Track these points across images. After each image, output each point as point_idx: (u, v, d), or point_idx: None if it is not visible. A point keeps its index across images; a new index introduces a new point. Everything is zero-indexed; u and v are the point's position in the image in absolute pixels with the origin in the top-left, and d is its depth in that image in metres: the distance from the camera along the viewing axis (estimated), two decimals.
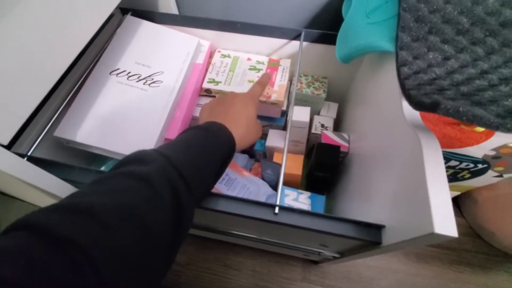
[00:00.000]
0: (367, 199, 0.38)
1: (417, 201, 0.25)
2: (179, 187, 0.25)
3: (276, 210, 0.31)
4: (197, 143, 0.31)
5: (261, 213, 0.31)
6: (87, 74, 0.45)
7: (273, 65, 0.54)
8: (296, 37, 0.51)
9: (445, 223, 0.22)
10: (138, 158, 0.26)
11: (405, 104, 0.31)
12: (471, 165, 0.46)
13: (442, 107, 0.25)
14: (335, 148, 0.48)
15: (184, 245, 0.62)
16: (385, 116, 0.37)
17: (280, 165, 0.50)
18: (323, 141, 0.51)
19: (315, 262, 0.60)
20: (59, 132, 0.41)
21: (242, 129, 0.37)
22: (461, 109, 0.24)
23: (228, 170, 0.52)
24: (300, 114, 0.50)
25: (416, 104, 0.28)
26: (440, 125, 0.41)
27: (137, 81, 0.47)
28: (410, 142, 0.28)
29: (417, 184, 0.25)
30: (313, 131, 0.57)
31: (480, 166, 0.45)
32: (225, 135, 0.34)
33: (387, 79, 0.38)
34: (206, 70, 0.54)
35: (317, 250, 0.44)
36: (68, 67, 0.36)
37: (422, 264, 0.61)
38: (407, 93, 0.30)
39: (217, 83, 0.52)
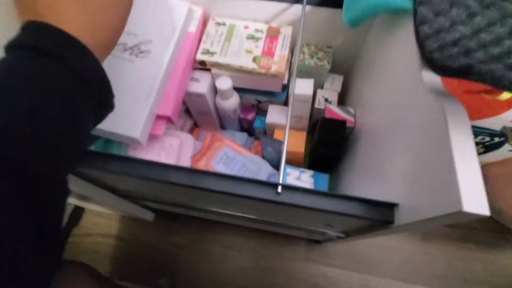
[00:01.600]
0: (376, 177, 0.35)
1: (440, 176, 0.22)
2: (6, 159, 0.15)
3: (279, 189, 0.28)
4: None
5: (263, 193, 0.29)
6: None
7: (273, 33, 0.49)
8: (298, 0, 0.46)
9: (475, 200, 0.19)
10: None
11: (425, 71, 0.27)
12: (487, 139, 0.42)
13: (476, 72, 0.21)
14: (341, 123, 0.44)
15: (183, 227, 0.61)
16: (399, 86, 0.33)
17: (281, 142, 0.47)
18: (327, 116, 0.48)
19: (318, 242, 0.58)
20: None
21: (79, 7, 0.21)
22: (497, 73, 0.20)
23: (226, 149, 0.49)
24: (302, 87, 0.46)
25: (440, 68, 0.24)
26: (459, 94, 0.37)
27: (123, 51, 0.42)
28: (431, 111, 0.25)
29: (440, 157, 0.22)
30: (316, 106, 0.53)
31: (496, 139, 0.42)
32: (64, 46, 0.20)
33: (402, 43, 0.34)
34: (200, 40, 0.50)
35: (322, 230, 0.42)
36: None
37: (428, 242, 0.59)
38: (428, 56, 0.26)
39: (212, 54, 0.48)
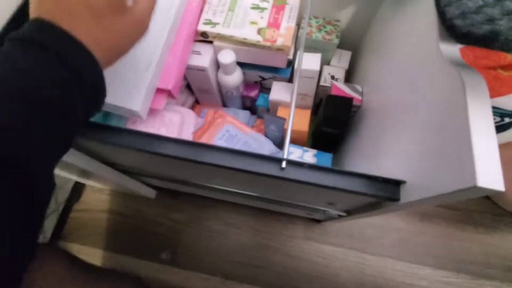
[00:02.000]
0: (382, 155, 0.34)
1: (454, 150, 0.21)
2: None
3: (283, 164, 0.28)
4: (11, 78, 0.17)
5: (266, 168, 0.28)
6: None
7: (279, 3, 0.47)
8: None
9: (490, 174, 0.18)
10: None
11: (443, 42, 0.25)
12: (497, 119, 0.41)
13: (502, 39, 0.19)
14: (348, 101, 0.43)
15: (184, 204, 0.61)
16: (414, 59, 0.31)
17: (284, 120, 0.46)
18: (333, 93, 0.46)
19: (318, 221, 0.59)
20: None
21: (96, 25, 0.21)
22: None
23: (228, 126, 0.48)
24: (309, 62, 0.44)
25: (463, 36, 0.22)
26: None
27: None
28: (449, 83, 0.23)
29: (455, 131, 0.21)
30: (321, 83, 0.51)
31: (507, 120, 0.41)
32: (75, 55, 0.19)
33: (418, 14, 0.32)
34: (202, 9, 0.47)
35: (323, 208, 0.42)
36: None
37: (425, 223, 0.60)
38: (449, 24, 0.24)
39: (215, 24, 0.45)
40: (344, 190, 0.28)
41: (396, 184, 0.28)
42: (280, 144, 0.50)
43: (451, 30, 0.23)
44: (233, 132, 0.48)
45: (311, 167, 0.28)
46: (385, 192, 0.27)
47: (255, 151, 0.47)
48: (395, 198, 0.27)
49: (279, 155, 0.49)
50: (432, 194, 0.23)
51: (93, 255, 0.59)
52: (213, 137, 0.47)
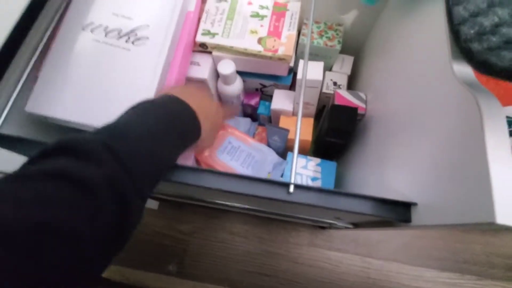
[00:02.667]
0: (390, 168, 0.34)
1: (470, 178, 0.20)
2: (131, 199, 0.20)
3: (291, 189, 0.27)
4: (153, 126, 0.25)
5: (274, 193, 0.27)
6: (55, 29, 0.37)
7: (279, 10, 0.45)
8: None
9: (510, 210, 0.18)
10: (75, 147, 0.19)
11: (456, 62, 0.24)
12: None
13: None
14: (352, 111, 0.42)
15: (189, 215, 0.61)
16: (420, 70, 0.30)
17: (288, 131, 0.45)
18: (336, 102, 0.45)
19: (323, 228, 0.59)
20: (31, 107, 0.35)
21: (207, 120, 0.31)
22: None
23: (230, 138, 0.47)
24: (311, 71, 0.43)
25: (480, 64, 0.21)
26: (481, 80, 0.35)
27: (118, 39, 0.38)
28: (461, 103, 0.23)
29: (470, 156, 0.20)
30: (323, 90, 0.50)
31: None
32: (190, 120, 0.28)
33: (426, 21, 0.30)
34: (199, 19, 0.45)
35: (330, 221, 0.42)
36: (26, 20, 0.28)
37: (437, 229, 0.60)
38: (465, 46, 0.23)
39: (213, 35, 0.44)
40: (353, 212, 0.27)
41: (406, 206, 0.27)
42: (283, 154, 0.49)
43: (467, 55, 0.22)
44: (236, 144, 0.47)
45: (319, 190, 0.27)
46: (395, 214, 0.27)
47: (259, 163, 0.47)
48: (406, 220, 0.27)
49: (282, 165, 0.49)
50: (446, 222, 0.22)
51: None
52: (215, 150, 0.46)
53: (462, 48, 0.23)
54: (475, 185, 0.20)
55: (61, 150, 0.19)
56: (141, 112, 0.26)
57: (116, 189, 0.19)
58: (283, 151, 0.50)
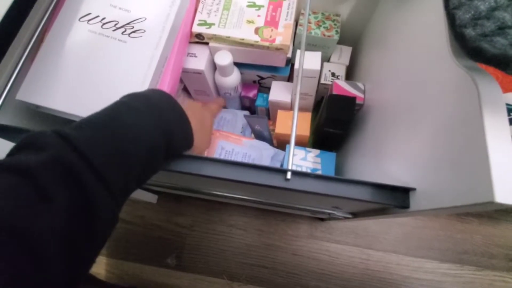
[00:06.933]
0: (388, 156, 0.34)
1: (468, 160, 0.20)
2: (86, 181, 0.18)
3: (288, 175, 0.27)
4: (125, 115, 0.23)
5: (271, 180, 0.27)
6: (50, 19, 0.36)
7: (276, 0, 0.45)
8: None
9: (509, 189, 0.17)
10: (29, 142, 0.19)
11: (453, 44, 0.24)
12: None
13: None
14: (350, 100, 0.42)
15: (187, 207, 0.61)
16: (420, 56, 0.30)
17: (267, 119, 0.45)
18: (335, 92, 0.45)
19: (322, 220, 0.59)
20: (22, 95, 0.34)
21: (197, 121, 0.31)
22: None
23: (221, 143, 0.46)
24: (309, 61, 0.42)
25: (473, 51, 0.21)
26: (483, 66, 0.34)
27: (114, 30, 0.38)
28: (459, 86, 0.22)
29: (469, 139, 0.20)
30: (322, 81, 0.50)
31: None
32: (172, 108, 0.27)
33: (425, 9, 0.30)
34: (195, 9, 0.45)
35: (328, 211, 0.42)
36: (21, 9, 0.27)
37: (429, 216, 0.60)
38: (459, 32, 0.23)
39: (210, 25, 0.43)
40: (351, 199, 0.27)
41: (405, 191, 0.27)
42: (271, 141, 0.49)
43: (460, 41, 0.22)
44: (229, 147, 0.46)
45: (316, 177, 0.27)
46: (393, 200, 0.27)
47: (256, 160, 0.47)
48: (404, 206, 0.27)
49: (279, 156, 0.49)
50: (444, 205, 0.22)
51: (98, 263, 0.59)
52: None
53: (456, 33, 0.22)
54: (473, 165, 0.20)
55: (21, 147, 0.19)
56: (115, 104, 0.25)
57: (65, 172, 0.18)
58: (270, 141, 0.49)
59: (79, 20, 0.37)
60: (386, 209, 0.31)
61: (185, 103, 0.35)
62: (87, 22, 0.37)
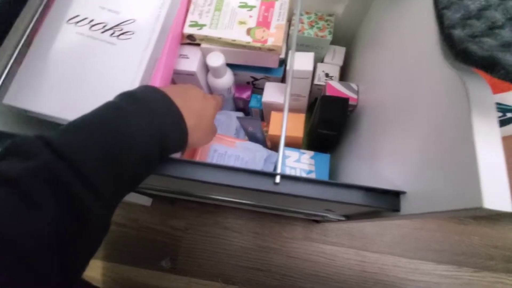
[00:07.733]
0: (381, 158, 0.33)
1: (457, 164, 0.20)
2: (73, 189, 0.18)
3: (277, 179, 0.26)
4: (116, 118, 0.22)
5: (260, 184, 0.27)
6: (38, 22, 0.36)
7: (268, 0, 0.44)
8: None
9: (497, 194, 0.17)
10: (14, 149, 0.19)
11: (443, 45, 0.23)
12: (499, 114, 0.40)
13: (504, 66, 0.18)
14: (343, 101, 0.41)
15: (182, 210, 0.60)
16: (412, 58, 0.29)
17: (259, 120, 0.44)
18: (328, 93, 0.44)
19: (317, 221, 0.58)
20: (9, 99, 0.34)
21: (194, 120, 0.28)
22: None
23: (214, 146, 0.46)
24: (301, 62, 0.42)
25: (460, 52, 0.20)
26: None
27: (103, 32, 0.37)
28: (449, 88, 0.22)
29: (458, 143, 0.20)
30: (315, 82, 0.49)
31: (509, 115, 0.40)
32: (166, 108, 0.25)
33: (416, 9, 0.30)
34: (187, 10, 0.44)
35: (321, 214, 0.41)
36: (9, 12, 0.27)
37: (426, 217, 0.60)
38: (447, 33, 0.22)
39: (201, 26, 0.43)
40: (342, 202, 0.27)
41: (395, 195, 0.26)
42: (264, 142, 0.49)
43: (448, 42, 0.21)
44: (222, 150, 0.46)
45: (306, 180, 0.27)
46: (384, 203, 0.26)
47: (249, 162, 0.46)
48: (395, 209, 0.26)
49: (273, 157, 0.48)
50: (434, 209, 0.21)
51: (93, 267, 0.58)
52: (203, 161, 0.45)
53: (445, 35, 0.22)
54: (462, 170, 0.19)
55: (5, 154, 0.19)
56: (106, 105, 0.24)
57: (51, 180, 0.18)
58: (264, 143, 0.49)
59: (67, 22, 0.37)
60: (378, 212, 0.30)
61: (192, 87, 0.32)
62: (75, 24, 0.37)
